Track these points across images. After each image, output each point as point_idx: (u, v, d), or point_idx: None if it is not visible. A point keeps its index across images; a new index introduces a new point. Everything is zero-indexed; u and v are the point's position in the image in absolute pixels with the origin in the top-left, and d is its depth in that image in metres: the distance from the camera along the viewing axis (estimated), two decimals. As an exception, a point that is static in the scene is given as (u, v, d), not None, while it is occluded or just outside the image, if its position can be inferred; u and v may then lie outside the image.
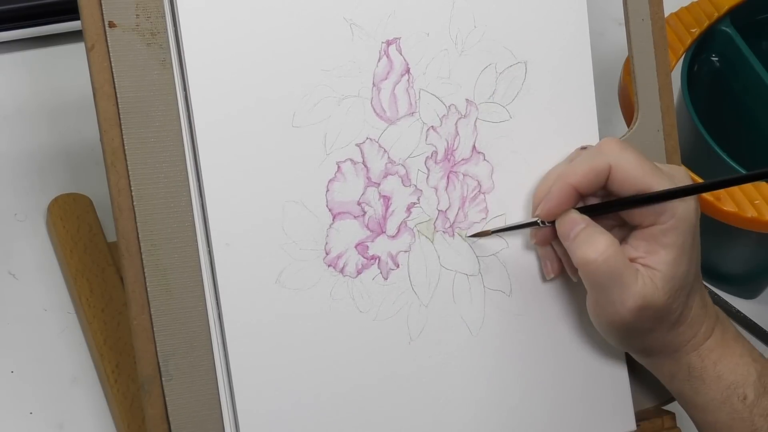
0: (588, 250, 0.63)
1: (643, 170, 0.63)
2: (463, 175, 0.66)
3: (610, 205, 0.65)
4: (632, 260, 0.64)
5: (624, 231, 0.66)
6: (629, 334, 0.65)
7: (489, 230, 0.67)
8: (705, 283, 0.90)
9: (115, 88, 0.59)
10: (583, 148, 0.67)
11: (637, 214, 0.64)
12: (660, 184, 0.63)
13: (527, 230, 0.67)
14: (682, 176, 0.66)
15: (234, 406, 0.62)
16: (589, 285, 0.64)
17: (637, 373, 0.71)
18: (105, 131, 0.59)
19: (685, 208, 0.64)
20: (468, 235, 0.67)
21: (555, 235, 0.66)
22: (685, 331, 0.66)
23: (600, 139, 0.69)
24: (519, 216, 0.68)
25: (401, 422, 0.66)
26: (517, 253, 0.68)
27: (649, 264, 0.64)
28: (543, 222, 0.65)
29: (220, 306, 0.61)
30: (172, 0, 0.60)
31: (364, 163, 0.64)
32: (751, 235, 0.82)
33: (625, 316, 0.63)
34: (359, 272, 0.64)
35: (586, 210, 0.65)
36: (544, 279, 0.68)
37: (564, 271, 0.68)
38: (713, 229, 0.81)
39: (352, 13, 0.63)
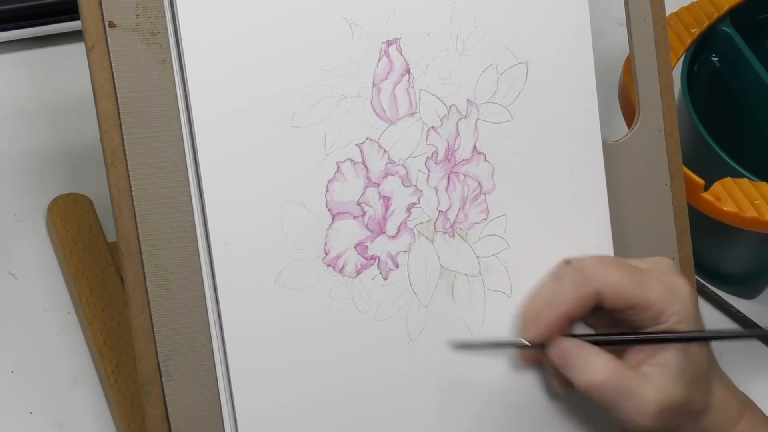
0: (587, 376, 0.62)
1: (631, 284, 0.63)
2: (464, 175, 0.66)
3: (605, 341, 0.64)
4: (640, 362, 0.63)
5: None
6: None
7: (476, 343, 0.66)
8: (705, 283, 0.90)
9: (115, 88, 0.59)
10: (567, 262, 0.66)
11: (636, 319, 0.64)
12: (651, 290, 0.63)
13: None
14: (666, 268, 0.65)
15: (233, 406, 0.62)
16: (602, 408, 0.63)
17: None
18: (105, 131, 0.59)
19: (682, 305, 0.63)
20: (452, 344, 0.65)
21: (544, 355, 0.65)
22: (713, 418, 0.64)
23: (601, 141, 0.69)
24: (518, 217, 0.68)
25: (399, 422, 0.66)
26: (518, 254, 0.68)
27: (659, 362, 0.63)
28: (531, 344, 0.65)
29: (219, 306, 0.61)
30: (172, 0, 0.60)
31: (363, 163, 0.64)
32: (751, 235, 0.82)
33: (647, 425, 0.62)
34: (359, 272, 0.64)
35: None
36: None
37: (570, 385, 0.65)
38: (713, 229, 0.81)
39: (352, 12, 0.63)
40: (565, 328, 0.64)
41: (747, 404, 0.66)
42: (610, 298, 0.63)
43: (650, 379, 0.62)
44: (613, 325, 0.65)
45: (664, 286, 0.64)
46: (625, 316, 0.64)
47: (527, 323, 0.65)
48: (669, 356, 0.63)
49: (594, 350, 0.63)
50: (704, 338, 0.64)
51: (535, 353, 0.66)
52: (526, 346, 0.65)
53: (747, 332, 0.65)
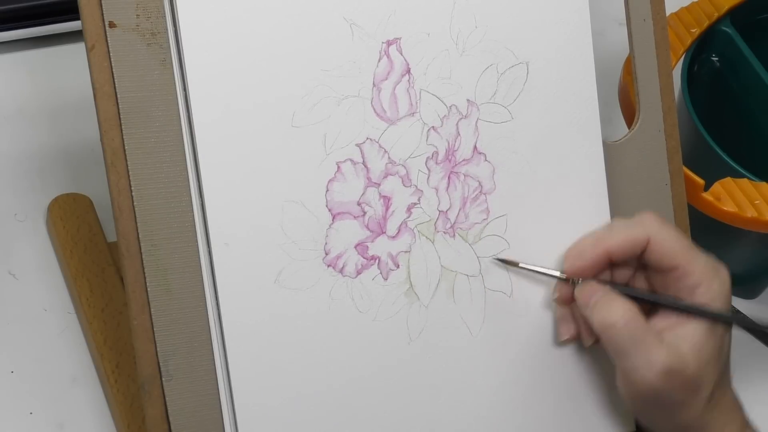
0: (607, 314, 0.63)
1: (681, 246, 0.64)
2: (464, 175, 0.66)
3: (643, 299, 0.65)
4: (662, 330, 0.64)
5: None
6: (659, 404, 0.63)
7: (517, 263, 0.67)
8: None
9: (115, 88, 0.59)
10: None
11: (671, 287, 0.64)
12: (697, 261, 0.64)
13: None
14: (710, 257, 0.66)
15: (233, 406, 0.62)
16: (612, 351, 0.63)
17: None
18: (105, 131, 0.59)
19: (721, 286, 0.64)
20: (496, 258, 0.67)
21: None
22: (717, 417, 0.64)
23: (601, 141, 0.69)
24: (519, 217, 0.68)
25: (399, 422, 0.66)
26: (518, 254, 0.68)
27: (679, 333, 0.63)
28: (568, 279, 0.66)
29: (219, 306, 0.61)
30: (172, 0, 0.60)
31: (364, 163, 0.64)
32: (751, 235, 0.82)
33: (652, 380, 0.62)
34: (359, 272, 0.64)
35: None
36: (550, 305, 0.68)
37: (577, 337, 0.67)
38: (713, 229, 0.81)
39: (352, 13, 0.63)
40: (604, 268, 0.65)
41: (748, 426, 0.66)
42: (657, 251, 0.64)
43: (666, 342, 0.62)
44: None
45: (709, 263, 0.64)
46: (664, 280, 0.64)
47: (568, 256, 0.66)
48: (692, 331, 0.63)
49: (620, 296, 0.64)
50: (739, 322, 0.65)
51: (570, 292, 0.66)
52: (560, 278, 0.66)
53: None
